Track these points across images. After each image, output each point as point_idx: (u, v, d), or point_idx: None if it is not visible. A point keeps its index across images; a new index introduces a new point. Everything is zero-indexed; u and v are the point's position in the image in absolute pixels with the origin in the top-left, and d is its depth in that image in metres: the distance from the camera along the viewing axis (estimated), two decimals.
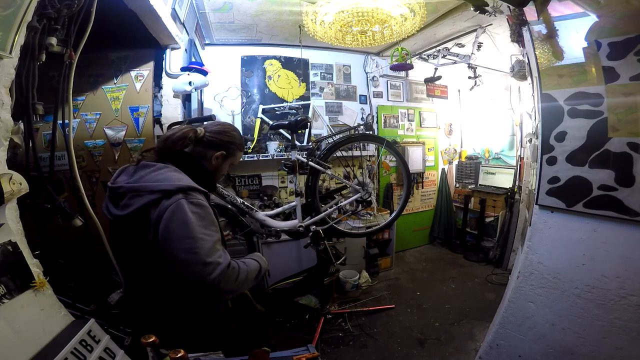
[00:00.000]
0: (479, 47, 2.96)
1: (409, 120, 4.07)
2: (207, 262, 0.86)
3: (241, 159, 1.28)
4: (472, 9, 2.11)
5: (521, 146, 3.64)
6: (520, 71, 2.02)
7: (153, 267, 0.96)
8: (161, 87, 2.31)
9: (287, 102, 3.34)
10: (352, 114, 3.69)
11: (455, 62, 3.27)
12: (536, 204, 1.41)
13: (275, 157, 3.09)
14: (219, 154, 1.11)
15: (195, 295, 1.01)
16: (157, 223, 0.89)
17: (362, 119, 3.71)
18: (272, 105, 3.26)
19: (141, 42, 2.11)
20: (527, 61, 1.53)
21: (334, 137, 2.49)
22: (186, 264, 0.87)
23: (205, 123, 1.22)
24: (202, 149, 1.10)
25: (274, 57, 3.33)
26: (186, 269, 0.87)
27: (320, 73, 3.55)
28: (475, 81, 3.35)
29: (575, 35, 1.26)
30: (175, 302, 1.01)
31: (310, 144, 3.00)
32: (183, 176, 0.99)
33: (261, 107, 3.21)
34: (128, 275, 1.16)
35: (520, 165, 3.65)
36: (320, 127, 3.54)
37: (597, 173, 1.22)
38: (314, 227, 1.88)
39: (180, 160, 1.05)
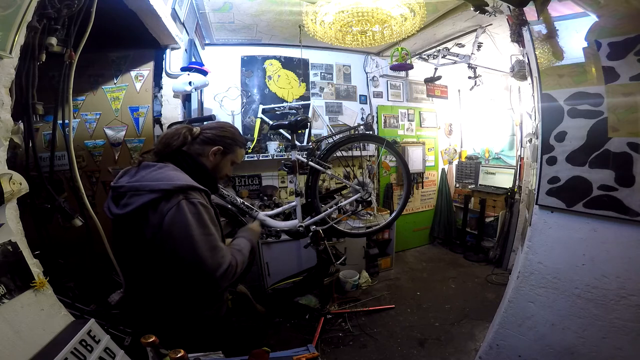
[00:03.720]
0: (479, 47, 2.96)
1: (409, 120, 4.07)
2: (208, 263, 0.89)
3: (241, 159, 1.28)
4: (472, 9, 2.11)
5: (521, 146, 3.64)
6: (520, 71, 2.02)
7: (151, 266, 0.96)
8: (161, 87, 2.31)
9: (287, 102, 3.34)
10: (352, 114, 3.69)
11: (455, 62, 3.27)
12: (536, 204, 1.41)
13: (275, 157, 3.09)
14: (215, 149, 1.10)
15: (196, 295, 1.02)
16: (158, 224, 0.89)
17: (362, 119, 3.71)
18: (272, 105, 3.26)
19: (141, 42, 2.11)
20: (527, 61, 1.53)
21: (334, 137, 2.49)
22: (188, 265, 0.89)
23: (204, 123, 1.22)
24: (199, 146, 1.10)
25: (274, 57, 3.33)
26: (189, 269, 0.90)
27: (320, 73, 3.55)
28: (475, 81, 3.35)
29: (575, 35, 1.26)
30: (176, 301, 1.01)
31: (310, 144, 3.00)
32: (182, 175, 0.99)
33: (261, 107, 3.21)
34: (128, 275, 1.16)
35: (520, 165, 3.65)
36: (320, 127, 3.53)
37: (597, 173, 1.22)
38: (314, 227, 1.88)
39: (179, 159, 1.05)
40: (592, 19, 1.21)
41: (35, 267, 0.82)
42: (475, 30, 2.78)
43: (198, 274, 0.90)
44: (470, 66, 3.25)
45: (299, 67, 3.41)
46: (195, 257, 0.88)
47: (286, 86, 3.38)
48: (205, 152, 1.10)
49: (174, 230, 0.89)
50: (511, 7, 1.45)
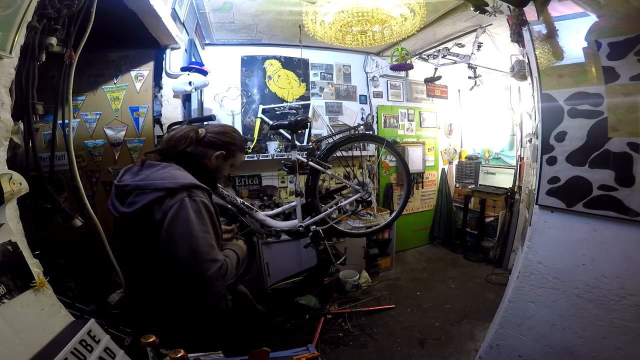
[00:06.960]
0: (479, 47, 2.96)
1: (409, 120, 4.07)
2: (205, 260, 0.92)
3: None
4: (472, 9, 2.11)
5: (521, 146, 3.64)
6: (520, 71, 2.03)
7: (156, 263, 0.97)
8: (161, 87, 2.31)
9: (287, 102, 3.34)
10: (352, 114, 3.69)
11: (455, 62, 3.27)
12: (536, 204, 1.41)
13: (275, 157, 3.09)
14: (218, 154, 1.13)
15: (196, 293, 1.03)
16: (162, 221, 0.92)
17: (362, 119, 3.71)
18: (272, 105, 3.26)
19: (141, 42, 2.11)
20: (527, 61, 1.53)
21: (334, 137, 2.50)
22: (186, 260, 0.91)
23: (205, 123, 1.23)
24: (203, 148, 1.13)
25: (274, 57, 3.33)
26: (185, 265, 0.92)
27: (320, 73, 3.55)
28: (475, 81, 3.35)
29: (575, 35, 1.26)
30: (177, 300, 1.02)
31: (310, 144, 3.00)
32: (186, 174, 1.02)
33: (261, 107, 3.21)
34: (129, 275, 1.16)
35: (520, 165, 3.64)
36: (320, 127, 3.53)
37: (597, 173, 1.22)
38: (314, 227, 1.89)
39: (183, 159, 1.08)
40: (592, 19, 1.21)
41: (35, 267, 0.82)
42: (475, 30, 2.78)
43: (191, 270, 0.92)
44: (470, 66, 3.25)
45: (299, 67, 3.41)
46: (192, 252, 0.91)
47: (286, 86, 3.38)
48: (209, 155, 1.13)
49: (175, 226, 0.91)
50: (511, 7, 1.45)
